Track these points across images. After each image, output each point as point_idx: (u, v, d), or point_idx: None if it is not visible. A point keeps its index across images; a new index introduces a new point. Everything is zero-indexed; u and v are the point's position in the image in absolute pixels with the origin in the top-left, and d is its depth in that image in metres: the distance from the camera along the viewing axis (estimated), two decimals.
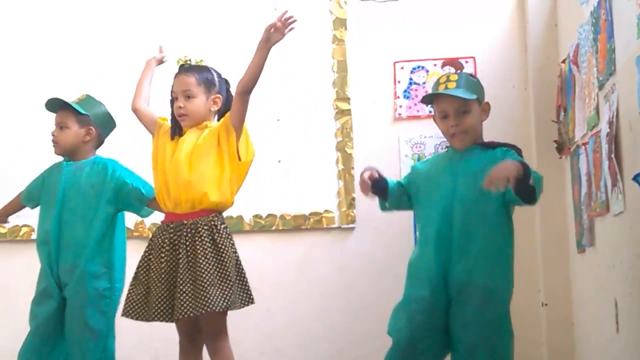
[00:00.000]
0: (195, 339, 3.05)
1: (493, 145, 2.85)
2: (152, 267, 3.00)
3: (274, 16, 2.93)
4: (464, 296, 2.73)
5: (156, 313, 2.95)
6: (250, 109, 4.43)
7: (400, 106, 4.53)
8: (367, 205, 3.28)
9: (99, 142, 3.54)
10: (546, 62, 4.28)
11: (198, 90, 3.06)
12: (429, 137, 4.44)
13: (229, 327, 3.05)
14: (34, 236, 4.13)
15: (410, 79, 4.55)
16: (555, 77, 4.10)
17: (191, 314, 2.87)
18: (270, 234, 4.53)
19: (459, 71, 2.82)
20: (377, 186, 2.91)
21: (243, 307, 3.04)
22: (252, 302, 3.07)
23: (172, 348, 4.19)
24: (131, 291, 3.04)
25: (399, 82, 4.55)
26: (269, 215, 4.51)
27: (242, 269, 3.06)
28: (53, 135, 3.46)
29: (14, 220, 3.82)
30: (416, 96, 4.49)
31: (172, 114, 3.11)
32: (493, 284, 2.74)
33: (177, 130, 3.09)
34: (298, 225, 4.51)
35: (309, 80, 4.57)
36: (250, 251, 4.33)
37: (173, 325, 3.04)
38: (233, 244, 3.02)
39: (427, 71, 4.53)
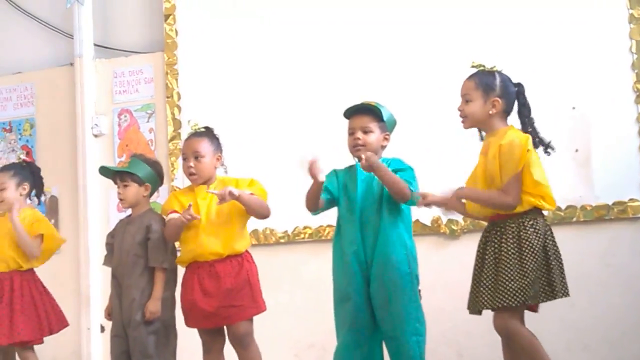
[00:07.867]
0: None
1: None
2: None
3: None
4: None
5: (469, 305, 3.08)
6: (543, 98, 4.37)
7: None
8: None
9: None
10: None
11: (475, 94, 3.12)
12: None
13: (534, 320, 3.04)
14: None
15: None
16: None
17: (489, 308, 2.94)
18: (571, 225, 4.38)
19: None
20: None
21: (544, 301, 3.01)
22: (555, 298, 3.01)
23: (476, 341, 4.27)
24: None
25: None
26: (568, 207, 4.37)
27: (553, 263, 3.01)
28: (357, 139, 3.38)
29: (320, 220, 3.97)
30: None
31: None
32: None
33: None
34: (600, 215, 4.33)
35: (605, 64, 4.38)
36: None
37: (477, 319, 3.09)
38: (543, 240, 2.99)
39: None
